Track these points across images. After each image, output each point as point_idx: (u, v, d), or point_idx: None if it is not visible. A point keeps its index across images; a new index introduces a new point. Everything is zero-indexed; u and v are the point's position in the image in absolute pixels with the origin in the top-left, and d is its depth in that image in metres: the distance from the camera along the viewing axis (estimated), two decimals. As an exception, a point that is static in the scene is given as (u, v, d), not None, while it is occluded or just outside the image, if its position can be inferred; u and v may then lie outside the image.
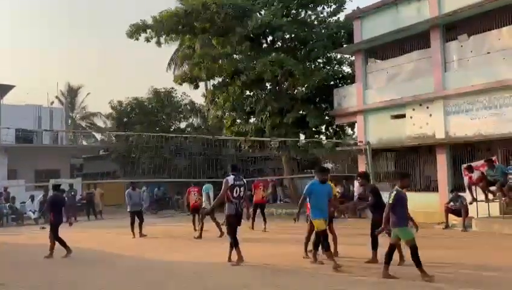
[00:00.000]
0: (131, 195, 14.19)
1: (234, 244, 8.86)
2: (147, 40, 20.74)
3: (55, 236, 10.47)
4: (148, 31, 20.53)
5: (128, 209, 14.20)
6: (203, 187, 14.19)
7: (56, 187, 11.48)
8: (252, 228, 14.42)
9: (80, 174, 33.30)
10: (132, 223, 13.92)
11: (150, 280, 7.88)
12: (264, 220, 14.67)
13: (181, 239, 13.39)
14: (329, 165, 30.80)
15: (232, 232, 8.85)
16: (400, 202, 7.18)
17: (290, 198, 22.98)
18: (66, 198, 11.61)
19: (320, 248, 8.38)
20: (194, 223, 14.73)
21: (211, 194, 13.77)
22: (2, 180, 22.74)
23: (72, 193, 21.96)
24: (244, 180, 9.32)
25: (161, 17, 20.07)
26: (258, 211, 15.02)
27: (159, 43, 21.30)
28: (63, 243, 10.45)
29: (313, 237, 8.79)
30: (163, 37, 21.32)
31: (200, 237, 12.94)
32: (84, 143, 43.58)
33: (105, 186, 24.13)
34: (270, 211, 20.28)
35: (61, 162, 27.64)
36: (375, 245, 8.50)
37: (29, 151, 25.85)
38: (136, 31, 20.35)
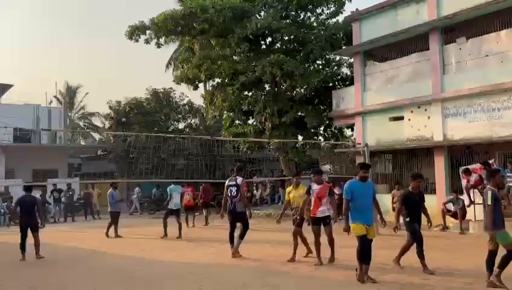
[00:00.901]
0: (113, 195, 14.54)
1: (229, 240, 9.61)
2: (147, 41, 20.76)
3: (21, 236, 10.32)
4: (148, 32, 20.53)
5: (109, 210, 14.53)
6: (168, 188, 14.49)
7: (27, 188, 11.17)
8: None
9: (78, 174, 33.26)
10: (115, 223, 14.24)
11: (147, 280, 7.88)
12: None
13: (179, 240, 13.38)
14: (327, 167, 30.87)
15: (230, 228, 9.69)
16: (497, 202, 6.57)
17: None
18: (37, 199, 10.98)
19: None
20: (186, 221, 16.01)
21: (174, 195, 14.02)
22: (-1, 180, 22.74)
23: (70, 193, 21.96)
24: (238, 180, 9.50)
25: (158, 19, 20.06)
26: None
27: (158, 45, 21.32)
28: (22, 246, 10.29)
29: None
30: (163, 38, 21.32)
31: (165, 236, 13.47)
32: (82, 143, 43.57)
33: (103, 187, 24.09)
34: (268, 212, 20.34)
35: (59, 162, 27.59)
36: (421, 255, 7.77)
37: (27, 150, 25.81)
38: (134, 32, 20.35)
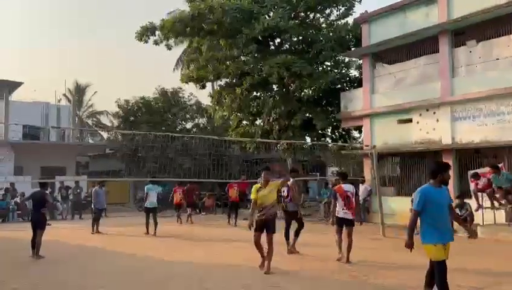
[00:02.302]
0: (98, 193, 15.22)
1: (284, 236, 10.01)
2: (156, 43, 20.84)
3: (32, 233, 10.34)
4: (157, 33, 20.60)
5: (95, 206, 15.21)
6: (145, 187, 15.11)
7: (42, 185, 11.24)
8: (228, 223, 17.08)
9: (86, 172, 33.44)
10: (96, 220, 14.90)
11: (149, 279, 7.89)
12: (235, 216, 17.12)
13: (182, 239, 13.42)
14: (334, 169, 30.74)
15: (285, 225, 10.19)
16: None
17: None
18: (45, 194, 10.84)
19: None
20: (178, 217, 17.92)
21: (151, 194, 14.60)
22: (8, 176, 22.90)
23: (78, 191, 22.10)
24: (289, 181, 9.97)
25: (167, 24, 20.13)
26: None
27: (168, 46, 21.41)
28: (32, 242, 10.26)
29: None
30: (172, 40, 21.38)
31: (147, 233, 14.29)
32: (91, 141, 43.82)
33: (110, 185, 24.19)
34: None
35: (67, 160, 27.77)
36: None
37: (35, 148, 26.01)
38: (144, 33, 20.42)
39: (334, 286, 7.19)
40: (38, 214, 10.44)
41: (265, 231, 8.03)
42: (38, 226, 10.28)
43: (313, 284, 7.32)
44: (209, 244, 12.15)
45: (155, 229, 14.14)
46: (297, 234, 10.12)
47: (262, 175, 8.35)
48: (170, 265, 9.20)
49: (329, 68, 21.29)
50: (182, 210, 18.30)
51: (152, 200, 14.49)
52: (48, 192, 11.49)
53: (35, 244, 10.23)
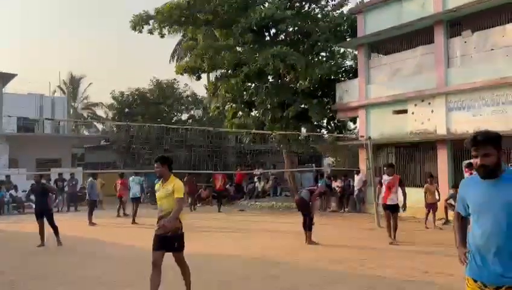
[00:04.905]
0: (92, 185, 15.92)
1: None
2: (150, 32, 20.67)
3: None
4: (151, 22, 20.44)
5: (87, 198, 15.99)
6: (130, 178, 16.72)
7: (37, 178, 11.77)
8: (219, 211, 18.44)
9: (81, 164, 33.33)
10: (91, 211, 15.36)
11: (147, 270, 7.91)
12: (220, 204, 19.21)
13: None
14: (330, 160, 30.82)
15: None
16: None
17: (290, 191, 23.05)
18: (45, 186, 11.66)
19: None
20: (122, 209, 17.96)
21: (132, 185, 16.41)
22: (3, 169, 22.79)
23: (73, 183, 22.06)
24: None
25: (163, 9, 19.97)
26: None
27: (161, 35, 21.24)
28: (41, 233, 10.77)
29: None
30: (166, 28, 21.24)
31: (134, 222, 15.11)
32: (86, 133, 43.62)
33: (106, 177, 24.13)
34: (271, 204, 20.43)
35: (63, 152, 27.65)
36: None
37: (30, 140, 25.87)
38: (138, 22, 20.25)
39: (332, 276, 7.24)
40: (43, 203, 10.97)
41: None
42: (46, 214, 10.76)
43: (311, 275, 7.38)
44: (206, 235, 12.18)
45: (134, 217, 15.15)
46: (308, 227, 10.25)
47: (155, 169, 5.87)
48: (168, 256, 9.21)
49: (324, 59, 21.25)
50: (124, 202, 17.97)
51: (134, 191, 16.10)
52: (44, 181, 12.05)
53: (43, 234, 10.71)
